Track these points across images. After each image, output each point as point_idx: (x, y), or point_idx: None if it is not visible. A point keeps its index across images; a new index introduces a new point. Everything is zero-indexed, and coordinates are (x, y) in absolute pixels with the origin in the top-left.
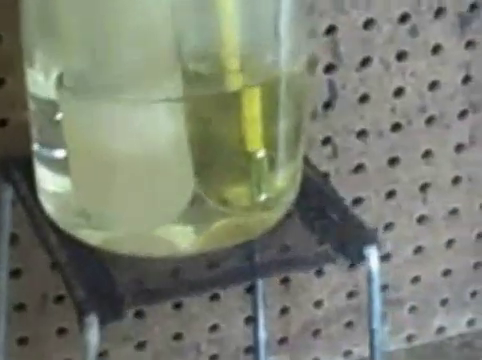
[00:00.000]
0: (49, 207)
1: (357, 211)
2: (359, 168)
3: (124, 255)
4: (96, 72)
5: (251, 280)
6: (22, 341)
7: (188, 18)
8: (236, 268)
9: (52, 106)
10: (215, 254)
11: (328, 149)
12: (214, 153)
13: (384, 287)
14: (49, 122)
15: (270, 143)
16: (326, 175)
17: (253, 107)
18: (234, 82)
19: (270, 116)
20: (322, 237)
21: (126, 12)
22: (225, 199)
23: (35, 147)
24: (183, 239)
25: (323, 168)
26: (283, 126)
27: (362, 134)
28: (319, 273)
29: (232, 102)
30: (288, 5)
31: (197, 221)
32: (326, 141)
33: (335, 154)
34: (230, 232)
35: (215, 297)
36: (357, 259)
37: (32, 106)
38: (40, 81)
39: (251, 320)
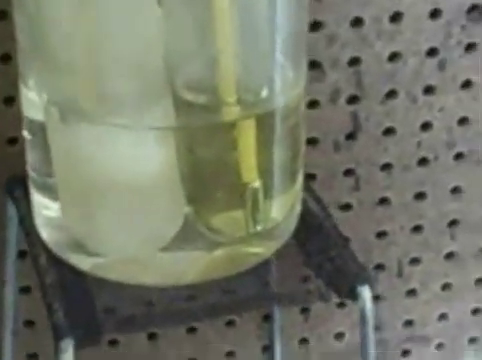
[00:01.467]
0: (42, 230)
1: (381, 244)
2: (383, 201)
3: (112, 281)
4: (84, 97)
5: (230, 314)
6: (31, 357)
7: (184, 47)
8: (216, 302)
9: (43, 129)
10: (199, 286)
11: (350, 181)
12: (208, 182)
13: (410, 323)
14: (41, 146)
15: (265, 173)
16: (347, 207)
17: (248, 138)
18: (230, 113)
19: (265, 147)
20: (316, 272)
21: (116, 38)
22: (219, 229)
23: (29, 171)
24: (172, 268)
25: (345, 200)
26: (279, 157)
27: (386, 167)
28: (341, 305)
29: (227, 132)
30: (284, 39)
31: (188, 250)
32: (348, 173)
33: (358, 186)
34: (223, 263)
35: (231, 323)
36: (349, 298)
37: (26, 128)
38: (33, 102)
39: (268, 349)
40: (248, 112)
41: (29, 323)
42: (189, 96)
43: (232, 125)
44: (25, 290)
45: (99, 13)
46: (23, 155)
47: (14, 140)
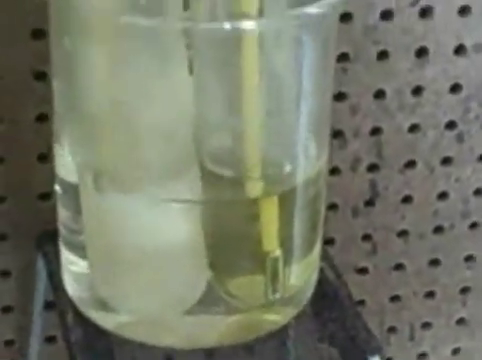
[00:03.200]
0: (69, 286)
1: (394, 308)
2: (398, 267)
3: (135, 342)
4: (114, 164)
5: None
6: None
7: (212, 118)
8: None
9: (75, 190)
10: (221, 349)
11: (368, 246)
12: (229, 250)
13: None
14: (72, 204)
15: (285, 243)
16: (363, 270)
17: (271, 212)
18: (254, 189)
19: (286, 218)
20: (330, 341)
21: (148, 106)
22: (239, 296)
23: (59, 228)
24: (193, 331)
25: (362, 264)
26: (299, 227)
27: (403, 234)
28: None
29: (250, 206)
30: (309, 116)
31: (208, 314)
32: (366, 238)
33: (374, 251)
34: (241, 328)
35: None
36: None
37: (58, 187)
38: (67, 164)
39: None
40: (271, 188)
41: None
42: (215, 169)
43: (256, 200)
44: (50, 340)
45: (132, 82)
46: (54, 211)
47: (47, 196)
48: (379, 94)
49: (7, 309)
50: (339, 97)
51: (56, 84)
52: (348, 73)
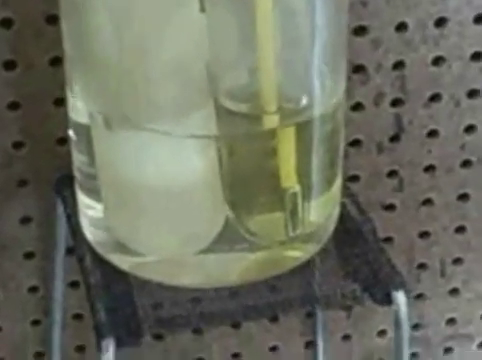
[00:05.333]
0: (87, 230)
1: (423, 245)
2: (426, 202)
3: (153, 282)
4: (128, 104)
5: (268, 315)
6: (79, 348)
7: (226, 55)
8: (257, 302)
9: (89, 133)
10: (240, 286)
11: (394, 182)
12: (248, 187)
13: (452, 321)
14: (86, 148)
15: (304, 178)
16: (390, 207)
17: (288, 145)
18: (270, 122)
19: (304, 153)
20: (353, 276)
21: (159, 45)
22: (258, 232)
23: (75, 173)
24: (212, 270)
25: (388, 201)
26: (317, 162)
27: (430, 169)
28: None
29: (267, 140)
30: (324, 49)
31: (228, 252)
32: (392, 174)
33: (401, 188)
34: (262, 265)
35: (275, 319)
36: (384, 302)
37: (71, 132)
38: (79, 107)
39: (311, 345)
40: (288, 120)
41: (77, 316)
42: (230, 104)
43: (272, 133)
44: (73, 285)
45: (143, 21)
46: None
47: (64, 140)
48: (401, 27)
49: (29, 255)
50: (360, 31)
51: (65, 26)
52: (368, 6)
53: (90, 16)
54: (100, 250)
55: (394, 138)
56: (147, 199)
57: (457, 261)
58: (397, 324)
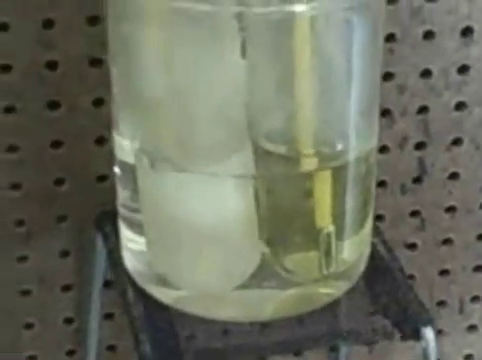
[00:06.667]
0: (129, 263)
1: (443, 282)
2: (447, 242)
3: (193, 315)
4: (170, 145)
5: (300, 349)
6: None
7: (265, 100)
8: (287, 338)
9: (133, 171)
10: (275, 322)
11: (416, 222)
12: (284, 226)
13: (470, 357)
14: (130, 184)
15: (338, 219)
16: (412, 246)
17: (324, 187)
18: (307, 165)
19: (339, 194)
20: (383, 313)
21: (202, 90)
22: (293, 269)
23: (118, 207)
24: (248, 304)
25: (411, 240)
26: (351, 203)
27: (451, 210)
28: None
29: (304, 182)
30: (359, 97)
31: (263, 288)
32: (414, 214)
33: (423, 227)
34: (296, 301)
35: (299, 353)
36: (413, 338)
37: (117, 169)
38: (124, 146)
39: None
40: (324, 164)
41: (111, 347)
42: (269, 146)
43: (309, 175)
44: (107, 317)
45: (188, 66)
46: (112, 192)
47: (104, 177)
48: (425, 73)
49: (66, 288)
50: (386, 77)
51: (114, 70)
52: (395, 53)
53: (139, 59)
54: (142, 283)
55: (417, 180)
56: (187, 236)
57: (475, 299)
58: (426, 359)
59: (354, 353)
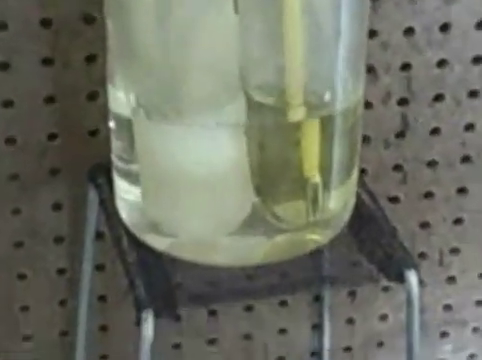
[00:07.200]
0: (123, 213)
1: (424, 234)
2: (428, 195)
3: (186, 261)
4: (166, 96)
5: (286, 295)
6: (102, 329)
7: (256, 53)
8: (274, 283)
9: (128, 123)
10: (262, 268)
11: (399, 176)
12: (274, 175)
13: (449, 308)
14: (126, 137)
15: (325, 169)
16: (394, 199)
17: (311, 137)
18: (296, 114)
19: (326, 145)
20: (368, 258)
21: (196, 45)
22: (282, 217)
23: (113, 159)
24: (239, 251)
25: (393, 193)
26: (338, 154)
27: (432, 164)
28: (385, 289)
29: (292, 131)
30: (346, 49)
31: (253, 235)
32: (397, 168)
33: (405, 181)
34: (285, 247)
35: (284, 303)
36: (397, 281)
37: (111, 122)
38: (119, 99)
39: (317, 327)
40: (312, 114)
41: (102, 298)
42: (260, 97)
43: (297, 125)
44: (100, 268)
45: (182, 21)
46: (104, 145)
47: (95, 132)
48: (408, 31)
49: (59, 240)
50: (370, 34)
51: (109, 23)
52: (379, 12)
53: (135, 15)
54: (136, 231)
55: (400, 135)
56: (182, 185)
57: (454, 251)
58: (409, 301)
59: (337, 303)
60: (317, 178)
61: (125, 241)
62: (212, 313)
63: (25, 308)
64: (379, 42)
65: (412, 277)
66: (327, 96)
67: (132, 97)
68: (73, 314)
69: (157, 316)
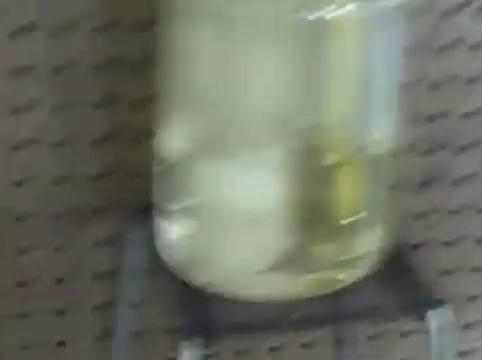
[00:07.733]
0: (163, 250)
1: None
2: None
3: (224, 296)
4: (219, 136)
5: (322, 327)
6: None
7: (300, 99)
8: (312, 315)
9: (175, 167)
10: (297, 302)
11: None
12: (309, 216)
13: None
14: (171, 180)
15: (357, 212)
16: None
17: (346, 181)
18: (332, 158)
19: (359, 189)
20: (395, 297)
21: (252, 90)
22: (315, 256)
23: (156, 200)
24: (275, 287)
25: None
26: (370, 198)
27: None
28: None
29: (327, 175)
30: (383, 99)
31: (289, 272)
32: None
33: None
34: (315, 285)
35: (307, 345)
36: (420, 320)
37: (158, 166)
38: (169, 142)
39: None
40: (348, 159)
41: (138, 334)
42: (300, 140)
43: (333, 168)
44: (136, 306)
45: (241, 68)
46: (147, 188)
47: (140, 174)
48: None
49: (99, 277)
50: None
51: (165, 69)
52: None
53: (192, 65)
54: (177, 269)
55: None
56: (227, 223)
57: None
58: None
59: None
60: (350, 220)
61: (167, 277)
62: (237, 353)
63: (61, 344)
64: None
65: (433, 318)
66: (359, 143)
67: (185, 137)
68: (109, 349)
69: (200, 346)
